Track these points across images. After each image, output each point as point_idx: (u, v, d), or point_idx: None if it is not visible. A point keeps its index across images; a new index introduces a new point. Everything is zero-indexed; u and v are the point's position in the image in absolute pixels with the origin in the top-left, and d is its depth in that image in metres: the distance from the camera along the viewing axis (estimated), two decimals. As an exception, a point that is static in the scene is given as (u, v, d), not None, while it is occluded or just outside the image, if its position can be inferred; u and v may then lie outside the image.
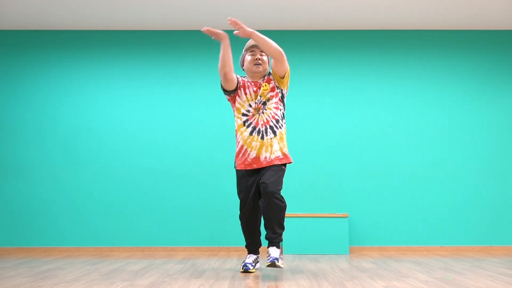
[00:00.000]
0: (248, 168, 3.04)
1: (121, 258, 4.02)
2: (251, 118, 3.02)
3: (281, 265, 2.84)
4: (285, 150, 3.04)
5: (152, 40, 4.83)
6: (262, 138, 2.98)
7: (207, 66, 4.78)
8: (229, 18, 2.95)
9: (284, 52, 4.79)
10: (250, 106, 3.03)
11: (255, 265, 3.15)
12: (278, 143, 3.00)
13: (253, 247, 3.19)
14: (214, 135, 4.65)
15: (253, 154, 2.99)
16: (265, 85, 3.06)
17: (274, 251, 2.91)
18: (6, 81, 4.77)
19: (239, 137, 3.04)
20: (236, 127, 3.08)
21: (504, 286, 2.64)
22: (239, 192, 3.11)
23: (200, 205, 4.58)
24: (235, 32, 2.97)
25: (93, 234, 4.54)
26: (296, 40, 4.83)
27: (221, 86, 3.11)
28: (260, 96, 3.03)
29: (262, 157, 2.98)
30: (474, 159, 4.67)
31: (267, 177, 2.91)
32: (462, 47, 4.83)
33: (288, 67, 3.07)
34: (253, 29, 4.86)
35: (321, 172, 4.64)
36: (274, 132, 3.00)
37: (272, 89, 3.06)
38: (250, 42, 3.13)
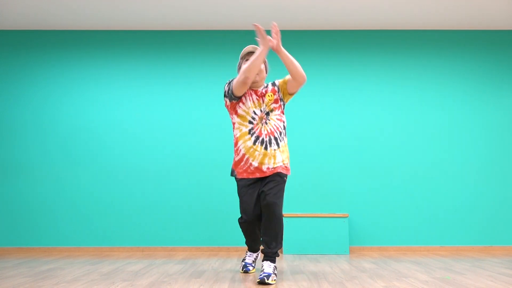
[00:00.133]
0: (250, 177, 2.95)
1: (121, 258, 4.02)
2: (255, 126, 2.94)
3: (272, 282, 2.70)
4: (287, 162, 2.97)
5: (152, 40, 4.84)
6: (266, 148, 2.90)
7: (207, 66, 4.78)
8: (274, 23, 2.85)
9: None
10: (255, 113, 2.94)
11: (255, 264, 3.17)
12: (281, 155, 2.95)
13: (253, 246, 3.19)
14: (214, 135, 4.65)
15: (255, 163, 2.91)
16: (270, 95, 2.98)
17: (268, 266, 2.82)
18: (6, 81, 4.77)
19: (241, 145, 2.94)
20: (239, 135, 2.96)
21: (504, 286, 2.64)
22: (241, 202, 2.99)
23: (200, 205, 4.58)
24: (262, 38, 2.84)
25: (93, 234, 4.55)
26: (296, 40, 4.83)
27: (230, 91, 2.95)
28: (265, 106, 2.96)
29: (264, 167, 2.91)
30: (474, 159, 4.67)
31: (268, 188, 2.86)
32: (462, 47, 4.84)
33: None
34: (253, 27, 4.88)
35: (321, 172, 4.64)
36: (278, 144, 2.94)
37: (276, 101, 2.99)
38: (246, 49, 3.03)
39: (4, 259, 4.02)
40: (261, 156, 2.90)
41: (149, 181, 4.62)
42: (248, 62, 2.87)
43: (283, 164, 2.95)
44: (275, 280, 2.76)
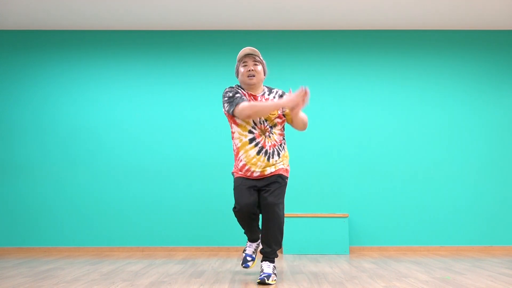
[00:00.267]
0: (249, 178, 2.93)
1: (121, 258, 4.02)
2: (258, 137, 2.90)
3: (272, 282, 2.70)
4: (286, 164, 2.98)
5: (152, 40, 4.84)
6: (268, 159, 2.89)
7: (207, 66, 4.78)
8: (306, 88, 2.87)
9: (284, 52, 4.81)
10: (254, 123, 2.90)
11: (255, 255, 3.07)
12: (283, 163, 2.95)
13: (251, 236, 3.07)
14: (214, 135, 4.65)
15: (256, 173, 2.89)
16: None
17: (267, 267, 2.81)
18: (6, 81, 4.77)
19: (243, 155, 2.90)
20: (240, 145, 2.91)
21: (504, 286, 2.64)
22: (237, 191, 2.92)
23: (200, 205, 4.58)
24: (297, 98, 2.86)
25: (93, 234, 4.55)
26: (296, 40, 4.83)
27: (231, 112, 2.89)
28: (266, 120, 2.92)
29: (267, 172, 2.89)
30: (474, 159, 4.67)
31: (269, 189, 2.85)
32: (462, 47, 4.83)
33: None
34: (253, 27, 4.89)
35: (321, 172, 4.64)
36: (279, 154, 2.94)
37: (280, 117, 2.97)
38: (243, 52, 2.97)
39: (4, 259, 4.02)
40: (263, 166, 2.89)
41: (149, 181, 4.62)
42: (260, 106, 2.81)
43: (284, 166, 2.95)
44: (275, 280, 2.76)
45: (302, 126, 3.04)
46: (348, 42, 4.84)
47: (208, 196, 4.58)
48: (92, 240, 4.53)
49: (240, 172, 2.94)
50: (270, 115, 2.92)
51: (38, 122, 4.71)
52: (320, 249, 4.29)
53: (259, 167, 2.88)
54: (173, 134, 4.69)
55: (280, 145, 2.96)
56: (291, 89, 2.90)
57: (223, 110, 2.98)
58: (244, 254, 3.07)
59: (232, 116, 2.91)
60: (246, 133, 2.90)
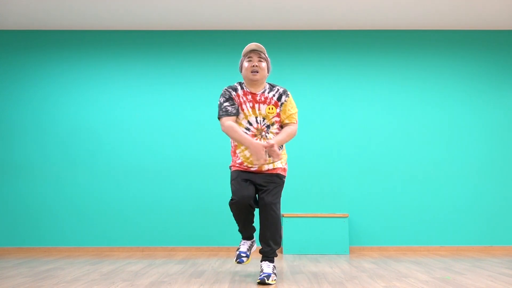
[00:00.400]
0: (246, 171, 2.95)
1: (121, 258, 4.02)
2: (253, 137, 2.88)
3: (272, 282, 2.70)
4: (284, 164, 2.98)
5: (152, 40, 4.83)
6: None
7: (207, 66, 4.78)
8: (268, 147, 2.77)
9: (284, 52, 4.80)
10: (250, 123, 2.90)
11: (249, 252, 3.01)
12: (280, 162, 2.95)
13: (246, 232, 3.04)
14: (214, 135, 4.65)
15: (254, 167, 2.91)
16: (272, 108, 2.92)
17: (267, 266, 2.82)
18: (6, 81, 4.77)
19: (240, 154, 2.93)
20: (236, 145, 2.94)
21: (504, 286, 2.65)
22: (234, 183, 2.89)
23: (200, 205, 4.58)
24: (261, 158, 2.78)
25: (93, 234, 4.54)
26: (296, 40, 4.83)
27: (217, 117, 2.96)
28: (264, 119, 2.91)
29: (264, 169, 2.91)
30: (474, 159, 4.67)
31: (267, 188, 2.87)
32: (462, 47, 4.83)
33: (296, 118, 3.00)
34: (253, 27, 4.89)
35: (321, 172, 4.64)
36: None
37: (278, 115, 2.94)
38: (248, 47, 2.94)
39: (4, 259, 4.02)
40: (257, 167, 2.90)
41: (149, 181, 4.62)
42: (234, 135, 2.83)
43: (282, 165, 2.96)
44: (275, 280, 2.76)
45: (291, 138, 2.97)
46: (348, 42, 4.84)
47: (208, 196, 4.58)
48: (92, 240, 4.53)
49: (237, 165, 2.95)
50: (268, 114, 2.90)
51: (38, 122, 4.71)
52: (320, 249, 4.29)
53: (255, 165, 2.89)
54: (173, 134, 4.69)
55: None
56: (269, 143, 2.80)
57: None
58: (238, 252, 2.98)
59: None
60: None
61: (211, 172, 4.60)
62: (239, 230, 3.04)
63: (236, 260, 2.94)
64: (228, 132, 2.87)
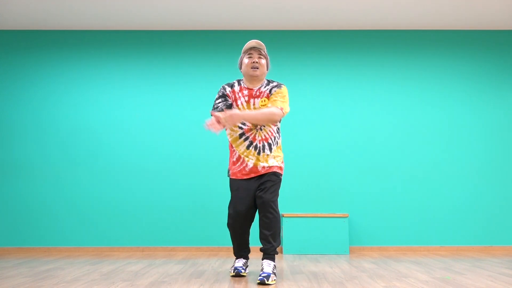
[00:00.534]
0: (245, 178, 2.95)
1: (121, 258, 4.02)
2: (248, 132, 2.93)
3: (271, 282, 2.71)
4: (280, 162, 2.99)
5: (152, 40, 4.84)
6: (259, 153, 2.93)
7: (207, 66, 4.78)
8: (206, 124, 2.71)
9: (284, 52, 4.80)
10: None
11: (245, 268, 3.04)
12: (274, 159, 2.96)
13: (241, 252, 3.08)
14: (214, 135, 4.65)
15: (250, 164, 2.93)
16: (264, 100, 2.96)
17: (267, 266, 2.83)
18: (6, 81, 4.77)
19: (235, 149, 2.98)
20: (231, 140, 2.99)
21: (504, 286, 2.64)
22: (233, 202, 2.96)
23: (200, 205, 4.58)
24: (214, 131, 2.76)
25: (93, 234, 4.54)
26: (296, 40, 4.83)
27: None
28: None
29: (259, 167, 2.93)
30: (474, 159, 4.67)
31: (264, 186, 2.88)
32: (462, 47, 4.83)
33: (286, 109, 2.94)
34: (253, 27, 4.88)
35: (321, 172, 4.64)
36: (271, 149, 2.95)
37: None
38: (248, 44, 2.99)
39: (4, 259, 4.02)
40: (254, 160, 2.93)
41: (149, 181, 4.62)
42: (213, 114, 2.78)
43: (278, 163, 2.97)
44: (275, 280, 2.76)
45: (266, 122, 2.88)
46: (348, 42, 4.84)
47: (208, 196, 4.58)
48: (92, 240, 4.53)
49: (235, 170, 2.98)
50: (261, 106, 2.95)
51: (38, 122, 4.71)
52: (320, 249, 4.29)
53: (251, 159, 2.93)
54: (173, 134, 4.69)
55: (273, 139, 2.97)
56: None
57: None
58: (233, 267, 3.00)
59: None
60: (236, 128, 2.96)
61: (211, 172, 4.60)
62: (234, 251, 3.08)
63: (234, 271, 2.95)
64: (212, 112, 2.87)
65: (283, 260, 3.83)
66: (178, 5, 4.34)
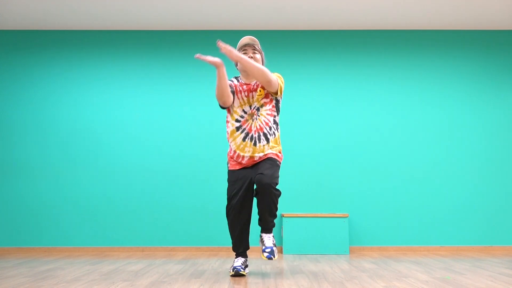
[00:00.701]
0: (242, 167, 3.03)
1: (121, 258, 4.02)
2: (244, 123, 2.99)
3: (277, 257, 2.93)
4: (277, 150, 3.03)
5: (152, 40, 4.84)
6: (255, 144, 2.96)
7: (207, 66, 4.77)
8: (218, 41, 2.87)
9: (284, 52, 4.80)
10: (244, 111, 3.00)
11: (245, 268, 3.03)
12: (271, 148, 3.00)
13: (240, 249, 3.08)
14: (215, 135, 4.65)
15: (246, 158, 2.99)
16: (260, 91, 3.02)
17: (267, 239, 2.95)
18: (6, 81, 4.77)
19: (232, 143, 3.03)
20: (229, 132, 3.04)
21: (504, 286, 2.65)
22: (229, 186, 3.04)
23: (200, 206, 4.58)
24: (211, 63, 2.86)
25: (93, 234, 4.55)
26: (296, 40, 4.83)
27: (219, 104, 3.04)
28: (255, 102, 3.00)
29: (256, 157, 2.98)
30: (474, 159, 4.67)
31: (263, 169, 2.89)
32: (462, 47, 4.83)
33: (280, 85, 3.02)
34: (253, 27, 4.88)
35: (321, 172, 4.64)
36: (267, 139, 2.98)
37: (266, 96, 3.03)
38: (242, 41, 3.08)
39: (4, 259, 4.02)
40: (251, 152, 2.97)
41: (149, 181, 4.62)
42: (216, 89, 2.91)
43: (274, 151, 3.01)
44: (276, 252, 2.95)
45: (254, 73, 2.89)
46: (348, 42, 4.84)
47: (208, 196, 4.58)
48: (92, 240, 4.53)
49: (233, 162, 3.05)
50: (258, 96, 3.00)
51: (38, 122, 4.71)
52: (320, 249, 4.29)
53: (247, 152, 2.97)
54: (173, 134, 4.69)
55: (270, 129, 3.00)
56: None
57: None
58: (233, 266, 2.99)
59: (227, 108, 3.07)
60: (234, 121, 3.02)
61: (211, 172, 4.60)
62: (233, 248, 3.10)
63: (233, 271, 2.95)
64: (216, 94, 2.94)
65: (283, 260, 3.83)
66: (178, 5, 4.34)
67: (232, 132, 3.02)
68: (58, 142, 4.68)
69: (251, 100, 3.01)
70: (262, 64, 3.09)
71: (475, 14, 4.52)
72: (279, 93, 3.03)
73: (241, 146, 2.98)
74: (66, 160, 4.65)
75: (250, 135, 2.97)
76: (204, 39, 4.84)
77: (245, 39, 3.08)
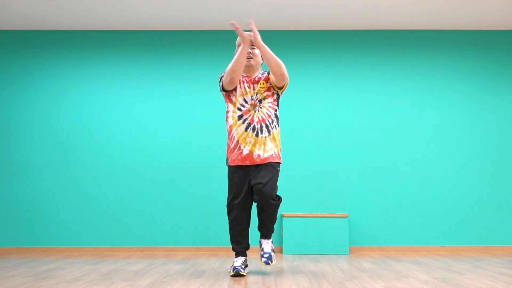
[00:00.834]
0: (240, 164, 3.02)
1: (121, 258, 4.02)
2: (246, 113, 3.03)
3: (274, 262, 3.01)
4: (277, 150, 3.05)
5: (151, 40, 4.83)
6: (257, 135, 2.99)
7: (207, 66, 4.78)
8: (251, 20, 2.94)
9: (284, 52, 4.80)
10: (245, 101, 3.04)
11: (245, 268, 3.03)
12: (271, 141, 3.03)
13: (240, 249, 3.09)
14: (214, 135, 4.65)
15: (246, 150, 3.00)
16: (263, 83, 3.07)
17: (266, 245, 3.02)
18: (6, 81, 4.77)
19: (234, 132, 3.04)
20: (232, 123, 3.06)
21: (504, 286, 2.65)
22: (230, 187, 3.07)
23: (200, 205, 4.58)
24: (241, 36, 2.96)
25: (93, 234, 4.55)
26: (296, 40, 4.83)
27: (221, 85, 3.10)
28: (257, 94, 3.05)
29: (255, 154, 2.99)
30: (474, 159, 4.67)
31: (262, 178, 2.91)
32: (462, 47, 4.83)
33: (287, 81, 3.07)
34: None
35: (321, 172, 4.64)
36: (269, 131, 3.02)
37: (269, 89, 3.08)
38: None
39: (4, 259, 4.02)
40: (252, 143, 2.99)
41: (149, 181, 4.62)
42: (232, 62, 2.98)
43: (274, 152, 3.02)
44: (275, 258, 3.04)
45: (275, 67, 2.94)
46: (348, 42, 4.84)
47: (209, 196, 4.58)
48: (92, 240, 4.53)
49: (232, 157, 3.05)
50: (260, 88, 3.05)
51: (38, 122, 4.71)
52: (320, 249, 4.29)
53: (248, 143, 2.99)
54: (173, 134, 4.69)
55: (271, 122, 3.05)
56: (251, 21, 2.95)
57: (222, 93, 3.15)
58: (233, 267, 2.98)
59: (225, 92, 3.09)
60: (236, 110, 3.05)
61: (211, 172, 4.60)
62: (233, 248, 3.10)
63: (233, 271, 2.95)
64: (229, 67, 2.97)
65: (283, 260, 3.83)
66: (178, 5, 4.34)
67: (235, 122, 3.04)
68: (58, 142, 4.68)
69: (252, 91, 3.06)
70: (262, 59, 3.16)
71: (475, 14, 4.52)
72: (284, 88, 3.10)
73: (243, 136, 3.00)
74: (66, 160, 4.65)
75: (252, 125, 3.00)
76: (204, 39, 4.84)
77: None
